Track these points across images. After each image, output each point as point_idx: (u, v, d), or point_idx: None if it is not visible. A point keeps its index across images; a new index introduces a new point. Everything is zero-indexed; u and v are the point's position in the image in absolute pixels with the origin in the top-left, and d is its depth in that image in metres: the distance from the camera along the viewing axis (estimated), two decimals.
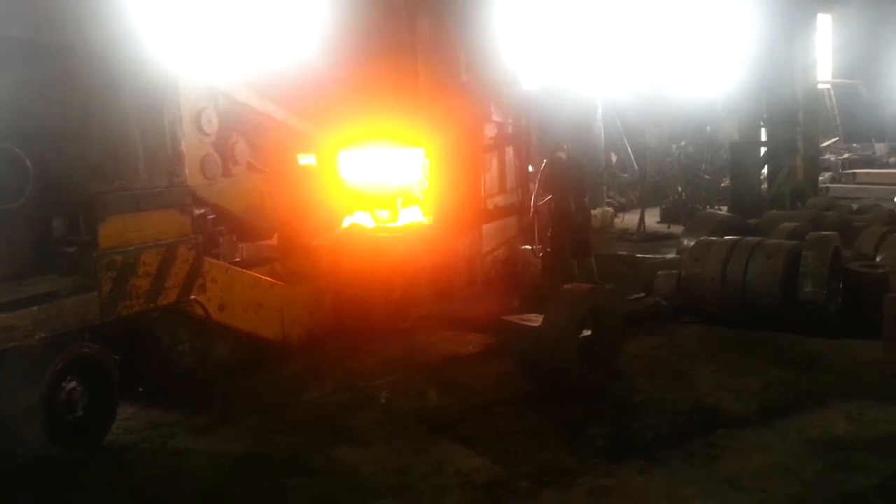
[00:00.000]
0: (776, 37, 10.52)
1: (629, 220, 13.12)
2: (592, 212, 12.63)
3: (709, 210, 9.45)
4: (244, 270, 5.17)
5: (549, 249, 8.60)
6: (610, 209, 13.36)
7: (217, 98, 4.98)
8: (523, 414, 4.52)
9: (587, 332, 5.10)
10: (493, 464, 3.78)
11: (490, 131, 8.62)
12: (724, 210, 10.83)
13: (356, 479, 3.73)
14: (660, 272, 6.99)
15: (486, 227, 8.30)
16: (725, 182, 11.83)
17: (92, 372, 4.04)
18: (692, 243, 7.10)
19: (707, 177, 12.01)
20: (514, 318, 5.20)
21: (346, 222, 6.83)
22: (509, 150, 9.12)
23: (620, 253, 10.45)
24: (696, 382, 4.92)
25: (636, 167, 13.67)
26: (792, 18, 10.57)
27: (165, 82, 4.45)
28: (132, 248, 4.13)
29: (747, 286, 6.05)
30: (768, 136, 10.93)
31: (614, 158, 14.64)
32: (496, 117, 8.84)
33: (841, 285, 6.11)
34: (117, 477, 3.86)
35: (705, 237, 6.89)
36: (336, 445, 4.09)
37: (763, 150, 10.86)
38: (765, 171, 11.03)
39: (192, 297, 4.51)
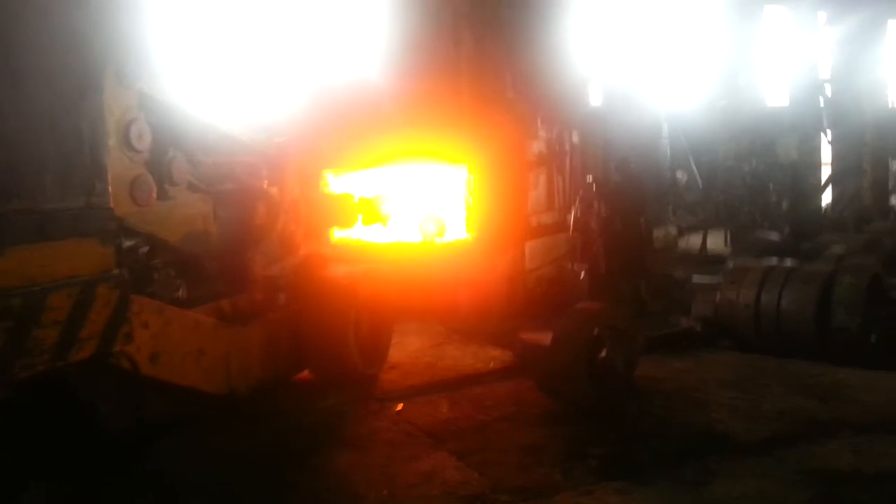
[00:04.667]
0: (844, 48, 10.09)
1: (694, 241, 12.83)
2: (655, 232, 12.47)
3: (758, 233, 9.19)
4: (183, 311, 4.22)
5: (593, 269, 8.57)
6: (673, 229, 13.09)
7: (149, 106, 3.97)
8: (529, 430, 4.59)
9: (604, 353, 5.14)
10: (480, 477, 3.88)
11: (537, 148, 8.70)
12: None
13: (351, 483, 3.90)
14: (698, 296, 6.91)
15: (529, 244, 8.36)
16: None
17: None
18: None
19: (774, 198, 11.67)
20: (529, 336, 5.29)
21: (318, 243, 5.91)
22: (559, 167, 9.18)
23: (676, 275, 10.24)
24: (711, 407, 4.86)
25: (701, 186, 13.38)
26: (861, 29, 10.13)
27: (87, 71, 3.38)
28: (36, 288, 3.17)
29: (781, 313, 5.92)
30: (833, 156, 10.53)
31: (681, 176, 14.34)
32: (544, 134, 8.91)
33: (884, 314, 5.89)
34: None
35: (742, 261, 6.75)
36: (340, 450, 4.29)
37: (826, 170, 10.46)
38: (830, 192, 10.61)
39: (116, 348, 3.51)
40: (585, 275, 8.57)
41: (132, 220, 3.86)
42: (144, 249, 4.07)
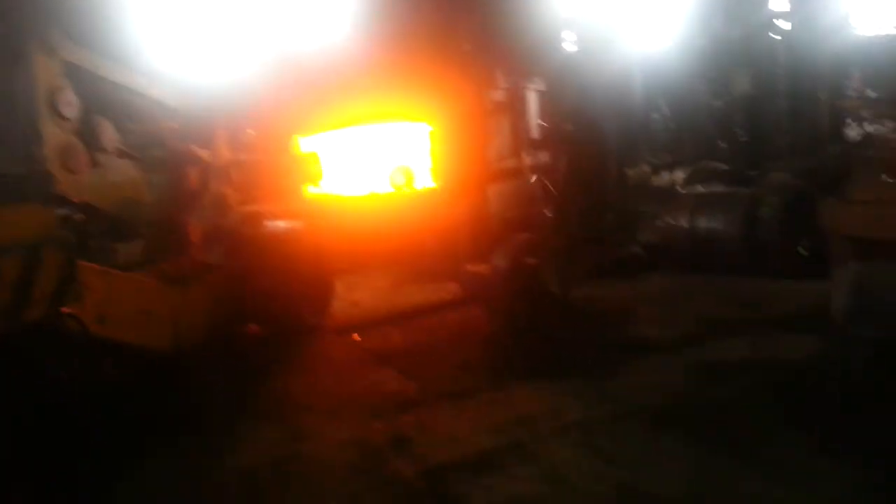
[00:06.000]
0: None
1: (666, 178, 13.19)
2: (628, 171, 12.87)
3: (707, 164, 9.58)
4: (126, 273, 4.33)
5: (557, 209, 8.98)
6: (647, 167, 13.45)
7: (75, 74, 4.05)
8: (469, 350, 5.06)
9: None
10: (416, 386, 4.39)
11: (497, 97, 9.06)
12: None
13: (304, 398, 4.41)
14: (645, 224, 7.37)
15: (493, 188, 8.78)
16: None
17: None
18: None
19: (739, 131, 11.96)
20: (472, 267, 5.76)
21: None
22: (522, 115, 9.54)
23: (643, 209, 10.66)
24: (636, 319, 5.35)
25: (671, 125, 13.72)
26: None
27: (15, 41, 3.60)
28: None
29: (713, 233, 6.35)
30: (789, 88, 10.82)
31: (656, 117, 14.66)
32: (505, 83, 9.25)
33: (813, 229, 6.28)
34: None
35: (681, 190, 7.17)
36: (296, 375, 4.80)
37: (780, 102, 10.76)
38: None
39: (65, 309, 3.69)
40: (551, 214, 8.99)
41: (65, 187, 3.91)
42: (79, 217, 4.14)
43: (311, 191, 8.34)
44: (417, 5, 8.56)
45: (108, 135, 4.36)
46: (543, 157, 9.45)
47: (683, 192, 7.13)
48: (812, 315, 4.75)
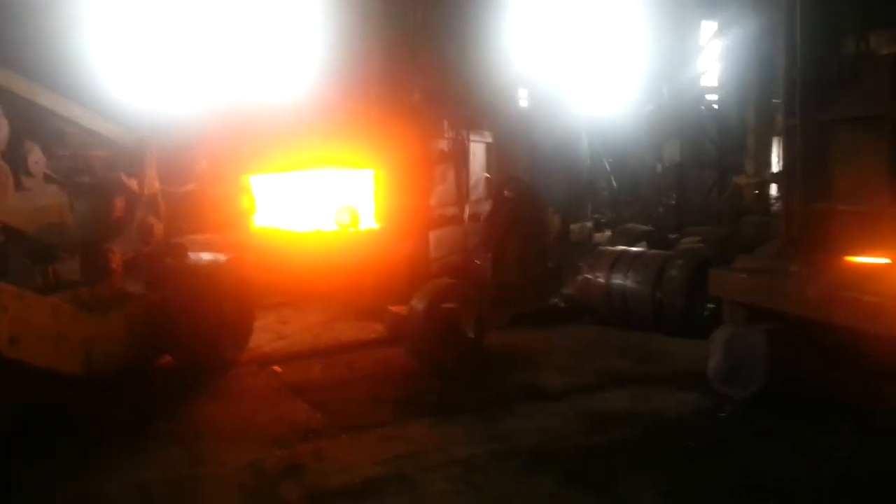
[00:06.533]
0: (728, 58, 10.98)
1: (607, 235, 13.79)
2: (572, 227, 13.46)
3: (630, 224, 10.17)
4: (42, 297, 4.31)
5: (493, 257, 9.39)
6: (589, 224, 14.04)
7: (5, 98, 4.14)
8: (384, 386, 5.35)
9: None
10: (322, 417, 4.65)
11: (442, 146, 9.51)
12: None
13: (213, 424, 4.64)
14: (569, 277, 7.81)
15: (434, 234, 9.17)
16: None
17: None
18: None
19: (673, 194, 12.63)
20: (396, 308, 6.08)
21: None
22: (465, 164, 10.01)
23: (580, 264, 11.14)
24: (542, 367, 5.70)
25: (615, 185, 14.37)
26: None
27: None
28: None
29: (627, 291, 6.79)
30: (718, 157, 11.54)
31: (603, 176, 15.33)
32: (452, 133, 9.73)
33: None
34: None
35: (602, 248, 7.63)
36: (210, 403, 5.02)
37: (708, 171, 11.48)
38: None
39: None
40: (488, 263, 9.41)
41: None
42: None
43: (257, 224, 8.68)
44: (369, 58, 9.04)
45: (36, 159, 4.39)
46: (486, 206, 9.94)
47: (603, 249, 7.58)
48: (698, 374, 5.17)
